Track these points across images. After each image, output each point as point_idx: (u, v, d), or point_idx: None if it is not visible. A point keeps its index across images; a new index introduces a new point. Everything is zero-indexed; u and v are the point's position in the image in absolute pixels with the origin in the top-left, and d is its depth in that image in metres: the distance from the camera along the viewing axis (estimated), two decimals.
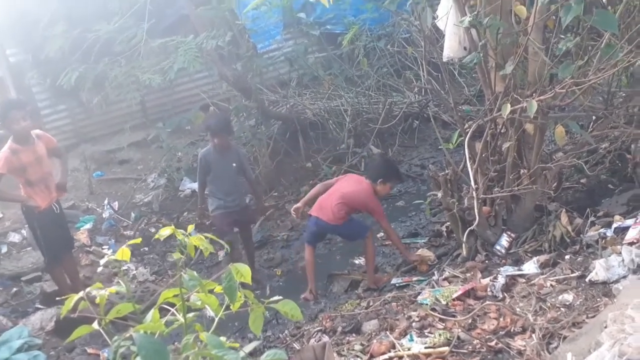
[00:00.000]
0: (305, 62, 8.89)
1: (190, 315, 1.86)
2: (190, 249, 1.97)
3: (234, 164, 5.61)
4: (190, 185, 7.78)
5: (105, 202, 7.45)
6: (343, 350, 4.17)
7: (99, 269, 5.51)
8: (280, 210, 7.30)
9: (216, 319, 1.84)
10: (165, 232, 1.69)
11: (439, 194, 4.93)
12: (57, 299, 5.49)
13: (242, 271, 1.74)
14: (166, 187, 7.80)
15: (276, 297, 1.91)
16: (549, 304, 3.78)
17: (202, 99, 8.52)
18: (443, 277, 4.66)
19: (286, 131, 8.06)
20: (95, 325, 1.87)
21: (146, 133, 8.66)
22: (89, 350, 4.91)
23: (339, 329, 4.51)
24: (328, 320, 4.64)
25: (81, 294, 1.66)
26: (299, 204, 5.49)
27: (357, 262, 5.85)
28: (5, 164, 4.99)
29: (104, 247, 6.63)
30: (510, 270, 4.26)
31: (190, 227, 2.02)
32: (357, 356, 4.08)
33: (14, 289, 5.93)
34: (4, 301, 5.74)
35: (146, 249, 6.74)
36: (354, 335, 4.40)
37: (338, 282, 5.57)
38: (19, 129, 4.99)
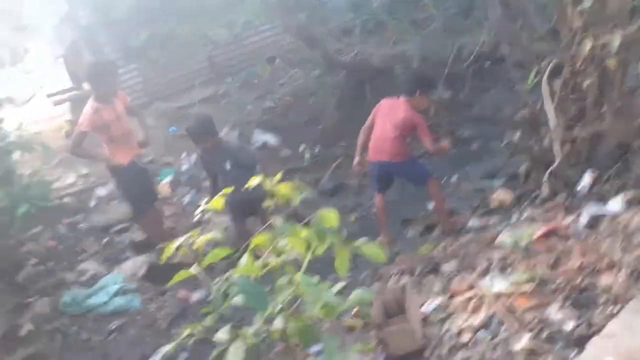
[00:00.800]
0: (369, 7, 8.72)
1: (280, 259, 1.94)
2: (280, 196, 2.03)
3: (228, 162, 5.19)
4: (261, 137, 7.94)
5: (183, 155, 7.72)
6: (423, 290, 4.25)
7: (195, 218, 5.74)
8: (349, 159, 7.34)
9: (305, 262, 1.91)
10: (255, 180, 1.76)
11: (517, 135, 4.84)
12: (146, 247, 5.86)
13: (330, 217, 1.80)
14: (239, 139, 7.97)
15: (361, 239, 1.96)
16: (636, 242, 3.70)
17: (268, 52, 8.56)
18: (523, 217, 4.62)
19: (352, 80, 8.02)
20: (193, 269, 1.99)
21: (215, 88, 8.82)
22: (179, 294, 5.20)
23: (417, 270, 4.58)
24: (405, 262, 4.73)
25: (181, 240, 1.76)
26: (357, 159, 5.44)
27: (430, 207, 5.86)
28: (89, 122, 5.24)
29: (185, 198, 6.91)
30: (594, 208, 4.17)
31: (278, 176, 2.08)
32: (438, 296, 4.14)
33: (105, 239, 6.30)
34: (97, 251, 6.13)
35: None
36: (432, 275, 4.47)
37: (412, 226, 5.62)
38: (107, 88, 5.21)
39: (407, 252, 4.92)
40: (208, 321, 1.82)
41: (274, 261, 1.70)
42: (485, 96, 7.95)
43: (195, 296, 5.16)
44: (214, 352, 1.69)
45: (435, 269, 4.50)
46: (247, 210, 5.22)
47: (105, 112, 5.28)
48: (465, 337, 3.57)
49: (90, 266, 5.84)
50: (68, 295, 5.33)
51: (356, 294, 1.71)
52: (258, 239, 1.77)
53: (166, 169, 7.53)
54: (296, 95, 8.33)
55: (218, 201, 1.66)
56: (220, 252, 1.82)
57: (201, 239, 1.68)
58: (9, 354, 4.86)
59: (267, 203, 1.69)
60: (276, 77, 8.51)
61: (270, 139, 8.01)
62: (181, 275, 1.92)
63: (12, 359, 4.78)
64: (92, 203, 6.96)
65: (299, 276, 1.61)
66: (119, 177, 5.58)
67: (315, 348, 2.70)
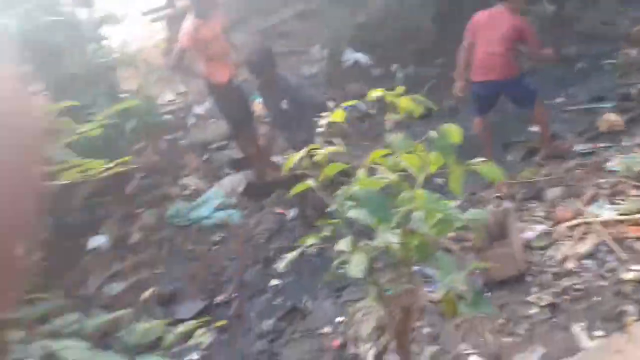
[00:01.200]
0: None
1: (395, 175, 1.92)
2: (402, 109, 1.99)
3: (285, 101, 4.89)
4: (352, 56, 7.80)
5: None
6: (524, 216, 4.16)
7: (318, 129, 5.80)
8: (445, 79, 7.10)
9: (420, 178, 1.88)
10: (375, 93, 1.72)
11: (634, 52, 4.47)
12: (244, 165, 6.04)
13: (454, 132, 1.75)
14: (329, 58, 7.89)
15: (477, 159, 1.91)
16: None
17: None
18: (635, 142, 4.35)
19: None
20: (311, 182, 2.01)
21: (306, 4, 8.66)
22: (277, 210, 5.38)
23: (519, 195, 4.47)
24: (506, 186, 4.60)
25: (302, 152, 1.77)
26: (459, 82, 5.16)
27: (533, 130, 5.61)
28: (190, 39, 5.31)
29: None
30: None
31: (400, 89, 2.02)
32: (541, 222, 4.04)
33: (205, 157, 6.54)
34: (197, 167, 6.40)
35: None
36: (535, 202, 4.35)
37: (514, 150, 5.42)
38: (208, 5, 5.23)
39: (507, 177, 4.77)
40: (327, 232, 1.87)
41: (391, 176, 1.69)
42: (593, 9, 7.33)
43: (291, 214, 5.32)
44: (335, 262, 1.74)
45: (537, 195, 4.37)
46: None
47: (205, 29, 5.32)
48: (570, 265, 3.50)
49: (191, 181, 6.12)
50: (173, 208, 5.65)
51: (471, 212, 1.68)
52: (375, 154, 1.76)
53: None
54: (389, 11, 8.04)
55: (341, 113, 1.64)
56: (337, 166, 1.83)
57: (322, 152, 1.68)
58: (119, 260, 5.28)
59: (389, 116, 1.66)
60: None
61: (362, 57, 7.86)
62: (300, 187, 1.96)
63: (123, 266, 5.18)
64: (191, 121, 7.20)
65: (420, 192, 1.60)
66: (217, 95, 5.69)
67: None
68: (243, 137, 5.84)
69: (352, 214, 1.61)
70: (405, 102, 1.83)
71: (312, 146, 2.00)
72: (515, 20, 4.72)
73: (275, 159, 6.18)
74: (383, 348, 2.53)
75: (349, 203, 1.59)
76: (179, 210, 5.61)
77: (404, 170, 1.76)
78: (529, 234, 3.87)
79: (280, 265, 1.91)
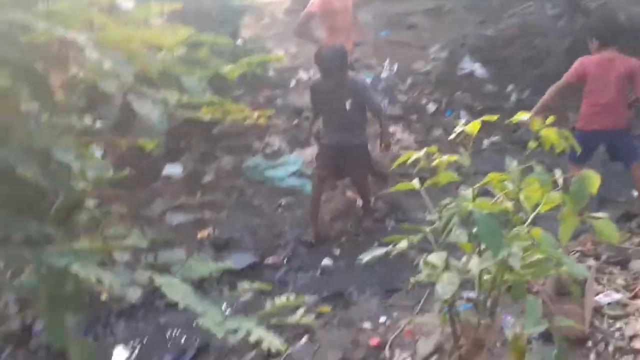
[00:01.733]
0: None
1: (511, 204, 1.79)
2: (545, 141, 1.82)
3: (349, 100, 4.70)
4: (470, 65, 7.57)
5: (386, 62, 7.62)
6: (603, 280, 3.92)
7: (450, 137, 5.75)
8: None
9: (531, 215, 1.76)
10: (522, 117, 1.60)
11: None
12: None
13: (593, 181, 1.61)
14: (446, 61, 7.70)
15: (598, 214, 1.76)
16: None
17: None
18: None
19: (591, 30, 7.20)
20: (415, 183, 1.93)
21: (441, 2, 8.46)
22: (349, 194, 5.33)
23: (603, 257, 4.21)
24: (592, 244, 4.35)
25: (420, 153, 1.69)
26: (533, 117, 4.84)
27: (635, 194, 5.26)
28: (321, 6, 5.34)
29: None
30: None
31: (550, 119, 1.85)
32: (618, 291, 3.79)
33: (295, 121, 6.56)
34: (286, 129, 6.43)
35: (415, 117, 6.87)
36: (618, 268, 4.08)
37: (610, 208, 5.09)
38: None
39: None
40: (415, 239, 1.80)
41: (506, 204, 1.60)
42: None
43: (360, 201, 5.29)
44: (423, 274, 1.67)
45: (623, 263, 4.10)
46: (336, 167, 4.77)
47: (336, 0, 5.34)
48: (639, 345, 3.26)
49: (276, 141, 6.16)
50: (252, 161, 5.71)
51: (572, 265, 1.55)
52: (492, 176, 1.66)
53: (366, 71, 7.51)
54: (523, 30, 7.73)
55: (476, 125, 1.54)
56: (450, 176, 1.75)
57: (444, 158, 1.61)
58: (188, 195, 5.41)
59: (531, 144, 1.54)
60: (507, 5, 7.90)
61: (478, 69, 7.61)
62: (402, 186, 1.89)
63: (190, 201, 5.30)
64: (292, 83, 7.24)
65: (537, 230, 1.50)
66: None
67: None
68: None
69: (458, 233, 1.52)
70: (552, 135, 1.65)
71: (430, 149, 1.89)
72: (628, 61, 4.43)
73: None
74: None
75: (454, 219, 1.50)
76: (257, 165, 5.67)
77: (516, 199, 1.65)
78: (603, 299, 3.63)
79: (364, 258, 1.84)
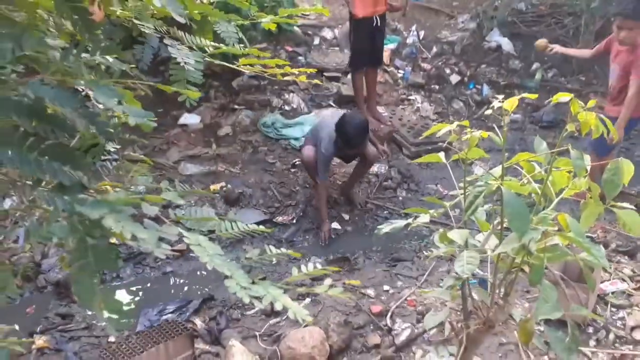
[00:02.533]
0: None
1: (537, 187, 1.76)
2: (584, 126, 1.74)
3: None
4: (498, 39, 7.43)
5: (413, 28, 7.51)
6: (609, 268, 3.93)
7: (481, 112, 5.66)
8: (579, 97, 6.68)
9: (554, 202, 1.73)
10: (563, 97, 1.57)
11: None
12: (348, 103, 5.97)
13: (627, 170, 1.58)
14: (473, 32, 7.55)
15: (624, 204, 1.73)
16: None
17: None
18: None
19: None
20: (441, 156, 1.92)
21: None
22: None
23: (612, 245, 4.22)
24: (602, 231, 4.36)
25: (452, 126, 1.67)
26: (561, 49, 4.95)
27: None
28: None
29: (399, 71, 6.84)
30: None
31: (592, 102, 1.79)
32: (624, 280, 3.81)
33: (315, 80, 6.49)
34: (306, 88, 6.38)
35: (437, 87, 6.79)
36: (626, 258, 4.10)
37: (625, 199, 5.08)
38: None
39: (606, 222, 4.50)
40: (436, 213, 1.80)
41: (533, 187, 1.58)
42: None
43: (375, 169, 5.29)
44: (440, 249, 1.67)
45: (631, 253, 4.11)
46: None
47: None
48: (639, 336, 3.30)
49: (294, 99, 6.12)
50: (269, 117, 5.69)
51: (599, 255, 1.53)
52: (520, 156, 1.63)
53: (393, 36, 7.41)
54: (555, 8, 7.56)
55: (514, 101, 1.51)
56: (479, 152, 1.72)
57: (476, 134, 1.58)
58: (203, 145, 5.42)
59: (570, 126, 1.50)
60: None
61: (506, 44, 7.46)
62: (429, 158, 1.88)
63: (205, 152, 5.31)
64: (315, 41, 7.13)
65: (564, 216, 1.49)
66: (357, 26, 5.58)
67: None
68: (359, 76, 5.74)
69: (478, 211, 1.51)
70: (592, 120, 1.58)
71: (462, 122, 1.85)
72: None
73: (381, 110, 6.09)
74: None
75: (480, 198, 1.49)
76: (274, 121, 5.65)
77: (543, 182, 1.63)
78: (608, 287, 3.66)
79: (382, 230, 1.85)
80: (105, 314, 0.95)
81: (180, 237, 1.13)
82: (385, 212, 5.01)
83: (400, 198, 5.18)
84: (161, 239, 1.05)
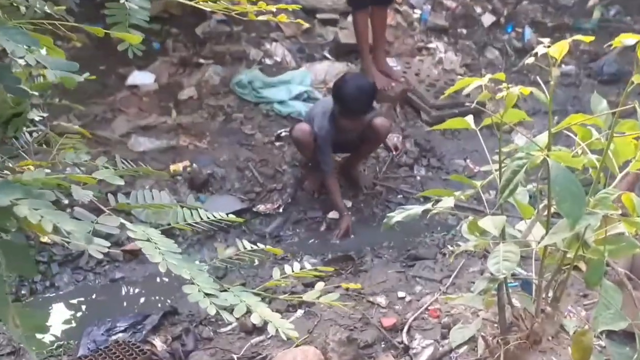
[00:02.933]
0: None
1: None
2: None
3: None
4: None
5: None
6: None
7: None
8: None
9: (618, 178, 1.73)
10: (628, 41, 1.53)
11: None
12: (349, 53, 5.94)
13: None
14: None
15: None
16: None
17: None
18: None
19: None
20: (469, 121, 1.90)
21: None
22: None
23: None
24: None
25: (484, 80, 1.65)
26: None
27: None
28: None
29: (415, 10, 6.80)
30: None
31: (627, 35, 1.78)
32: None
33: (307, 26, 6.46)
34: (293, 35, 6.34)
35: (464, 31, 6.77)
36: None
37: None
38: None
39: None
40: (465, 196, 1.79)
41: (589, 159, 1.56)
42: None
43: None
44: (469, 243, 1.67)
45: None
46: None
47: None
48: None
49: (279, 50, 6.08)
50: (246, 74, 5.65)
51: None
52: (573, 117, 1.62)
53: None
54: None
55: (564, 46, 1.48)
56: (519, 114, 1.71)
57: (515, 90, 1.56)
58: (160, 113, 5.39)
59: (638, 78, 1.48)
60: None
61: None
62: (453, 123, 1.86)
63: (162, 121, 5.29)
64: None
65: (630, 196, 1.48)
66: None
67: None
68: (362, 17, 5.68)
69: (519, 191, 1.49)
70: None
71: (495, 76, 1.82)
72: None
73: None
74: None
75: (520, 174, 1.47)
76: (252, 80, 5.61)
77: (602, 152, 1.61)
78: None
79: (392, 219, 1.82)
80: (22, 332, 0.92)
81: (122, 229, 1.11)
82: (399, 196, 5.00)
83: (419, 178, 5.18)
84: (97, 233, 1.03)
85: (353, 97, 4.40)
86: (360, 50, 5.84)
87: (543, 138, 1.61)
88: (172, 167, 4.83)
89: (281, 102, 5.52)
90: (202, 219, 1.57)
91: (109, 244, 1.05)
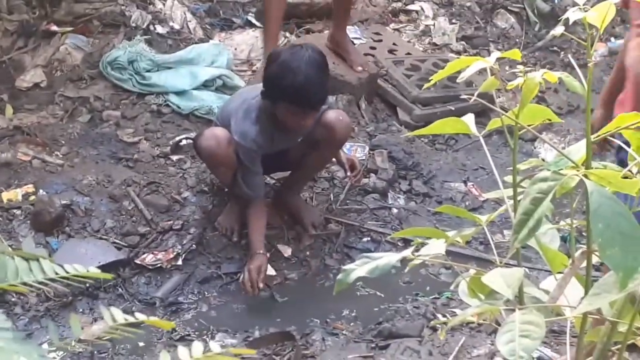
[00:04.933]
0: None
1: None
2: None
3: None
4: None
5: None
6: None
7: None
8: None
9: None
10: None
11: None
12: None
13: None
14: None
15: None
16: None
17: None
18: None
19: None
20: (469, 122, 1.94)
21: None
22: None
23: None
24: None
25: (489, 60, 1.69)
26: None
27: None
28: None
29: None
30: None
31: None
32: None
33: None
34: None
35: None
36: None
37: None
38: None
39: None
40: (463, 236, 1.82)
41: None
42: None
43: None
44: (468, 310, 1.69)
45: None
46: None
47: None
48: None
49: (177, 12, 6.15)
50: (127, 49, 5.65)
51: None
52: (622, 118, 1.65)
53: None
54: None
55: (609, 8, 1.50)
56: (543, 111, 1.75)
57: (536, 75, 1.57)
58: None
59: None
60: None
61: None
62: (447, 126, 1.89)
63: None
64: None
65: None
66: None
67: None
68: None
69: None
70: None
71: (510, 52, 1.87)
72: None
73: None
74: None
75: (546, 204, 1.48)
76: (134, 58, 5.62)
77: None
78: None
79: (349, 275, 1.81)
80: None
81: None
82: (365, 238, 5.03)
83: (395, 210, 5.23)
84: None
85: (297, 82, 4.35)
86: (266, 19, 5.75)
87: (580, 149, 1.63)
88: (5, 195, 4.79)
89: (181, 93, 5.54)
90: (48, 276, 1.54)
91: None
